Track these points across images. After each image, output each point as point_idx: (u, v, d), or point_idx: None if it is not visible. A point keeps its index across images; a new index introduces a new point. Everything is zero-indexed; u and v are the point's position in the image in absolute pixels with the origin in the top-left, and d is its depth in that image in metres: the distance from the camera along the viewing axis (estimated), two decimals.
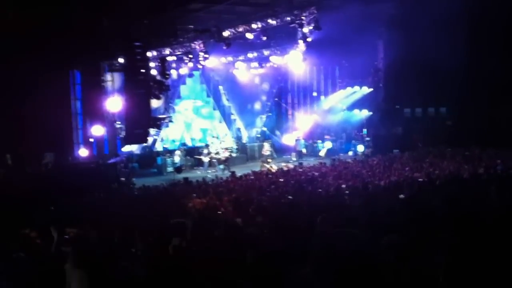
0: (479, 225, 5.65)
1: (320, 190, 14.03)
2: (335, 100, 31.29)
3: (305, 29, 20.88)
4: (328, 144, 29.79)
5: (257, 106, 32.75)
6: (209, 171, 25.55)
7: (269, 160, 26.14)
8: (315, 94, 32.08)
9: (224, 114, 32.46)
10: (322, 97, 31.90)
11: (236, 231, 6.50)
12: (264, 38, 22.36)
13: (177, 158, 25.95)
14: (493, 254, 4.20)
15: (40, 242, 8.96)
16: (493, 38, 22.57)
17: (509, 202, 7.63)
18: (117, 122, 25.60)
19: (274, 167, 23.91)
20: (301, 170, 21.24)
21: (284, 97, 33.22)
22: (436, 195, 8.72)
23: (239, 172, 22.75)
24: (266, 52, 28.12)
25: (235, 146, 28.90)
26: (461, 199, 7.85)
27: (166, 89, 24.68)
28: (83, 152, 25.45)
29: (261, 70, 31.00)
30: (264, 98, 32.77)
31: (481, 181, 12.02)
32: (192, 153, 28.00)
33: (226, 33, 22.73)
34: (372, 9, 21.01)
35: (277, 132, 30.90)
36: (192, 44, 24.80)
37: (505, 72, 22.85)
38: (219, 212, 11.10)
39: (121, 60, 24.47)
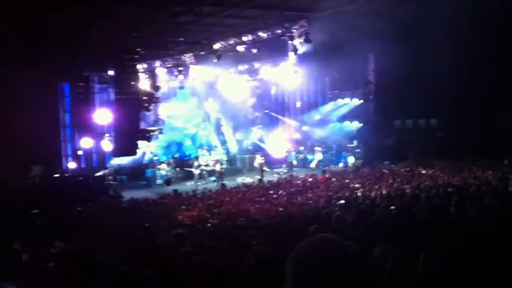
0: (470, 235, 5.60)
1: (310, 201, 13.97)
2: (326, 112, 31.36)
3: (296, 42, 20.95)
4: (319, 156, 29.78)
5: (248, 118, 32.71)
6: (199, 183, 25.42)
7: (264, 168, 26.20)
8: (298, 104, 32.07)
9: (214, 126, 32.38)
10: (313, 109, 31.92)
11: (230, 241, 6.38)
12: (255, 51, 22.38)
13: (163, 171, 25.84)
14: (485, 264, 4.15)
15: (26, 257, 8.80)
16: (483, 50, 22.71)
17: (500, 213, 7.60)
18: (107, 135, 25.43)
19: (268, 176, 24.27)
20: (292, 181, 21.21)
21: (275, 109, 33.20)
22: (426, 206, 8.67)
23: (229, 184, 22.69)
24: (257, 65, 28.17)
25: (225, 158, 28.78)
26: (451, 210, 7.81)
27: (156, 101, 24.62)
28: (72, 164, 25.25)
29: (252, 82, 31.04)
30: (255, 109, 32.75)
31: (471, 192, 11.99)
32: (182, 165, 27.85)
33: (216, 46, 22.76)
34: (362, 21, 21.13)
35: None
36: (183, 57, 24.80)
37: (495, 83, 23.00)
38: (209, 224, 11.00)
39: (111, 72, 24.38)
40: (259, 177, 24.68)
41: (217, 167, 26.30)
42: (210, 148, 29.60)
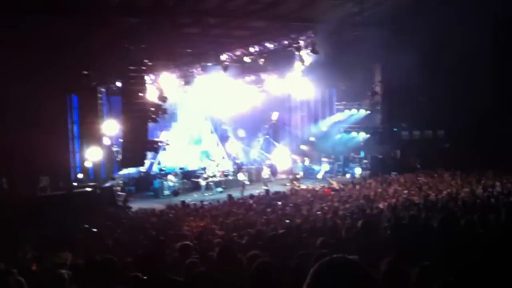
0: (478, 248, 5.58)
1: (318, 213, 13.94)
2: (333, 123, 31.31)
3: (303, 53, 21.01)
4: (325, 167, 29.73)
5: (255, 128, 32.71)
6: (206, 194, 25.44)
7: (297, 178, 26.14)
8: (305, 115, 32.03)
9: (221, 137, 32.41)
10: (320, 120, 31.90)
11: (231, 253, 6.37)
12: (261, 62, 22.45)
13: (171, 182, 25.88)
14: (494, 276, 4.13)
15: (35, 267, 8.85)
16: (490, 61, 22.67)
17: (506, 225, 7.57)
18: (114, 146, 25.52)
19: (302, 186, 24.23)
20: (298, 192, 21.18)
21: (281, 119, 33.17)
22: (434, 217, 8.63)
23: (236, 195, 22.65)
24: (264, 75, 28.22)
25: (232, 169, 28.77)
26: (459, 221, 7.77)
27: (164, 112, 24.66)
28: (80, 175, 25.30)
29: (259, 93, 31.07)
30: (261, 120, 32.76)
31: (479, 204, 11.93)
32: (189, 176, 27.89)
33: (223, 57, 22.86)
34: (369, 32, 21.17)
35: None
36: (190, 68, 24.90)
37: (501, 95, 22.94)
38: (215, 235, 11.00)
39: (118, 84, 24.49)
40: (265, 188, 24.65)
41: (240, 177, 26.44)
42: (216, 159, 29.61)
